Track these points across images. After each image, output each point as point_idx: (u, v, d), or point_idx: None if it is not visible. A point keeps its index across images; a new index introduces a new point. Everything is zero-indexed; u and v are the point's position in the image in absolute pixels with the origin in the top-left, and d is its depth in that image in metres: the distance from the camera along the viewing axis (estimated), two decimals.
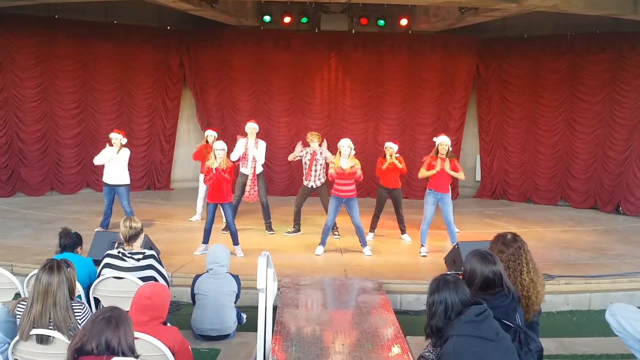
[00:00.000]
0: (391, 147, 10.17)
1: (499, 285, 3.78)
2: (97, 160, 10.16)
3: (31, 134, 13.83)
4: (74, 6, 13.08)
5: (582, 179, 14.09)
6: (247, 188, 10.31)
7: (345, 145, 9.07)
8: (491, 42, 15.08)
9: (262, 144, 10.55)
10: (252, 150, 10.34)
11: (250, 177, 10.31)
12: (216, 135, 11.34)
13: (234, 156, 10.36)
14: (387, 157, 10.08)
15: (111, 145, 10.11)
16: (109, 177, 10.03)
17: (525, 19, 13.72)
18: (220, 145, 8.96)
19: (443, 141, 9.14)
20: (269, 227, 10.69)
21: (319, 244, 9.25)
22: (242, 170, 10.43)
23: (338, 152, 9.17)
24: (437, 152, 9.12)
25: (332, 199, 9.17)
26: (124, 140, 10.17)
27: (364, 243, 9.28)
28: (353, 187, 9.11)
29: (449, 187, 9.33)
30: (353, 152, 9.24)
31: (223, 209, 9.15)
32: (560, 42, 14.09)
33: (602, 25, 13.08)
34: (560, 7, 11.11)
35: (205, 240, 8.97)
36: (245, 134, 10.53)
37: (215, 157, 8.82)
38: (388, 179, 10.13)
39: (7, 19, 12.84)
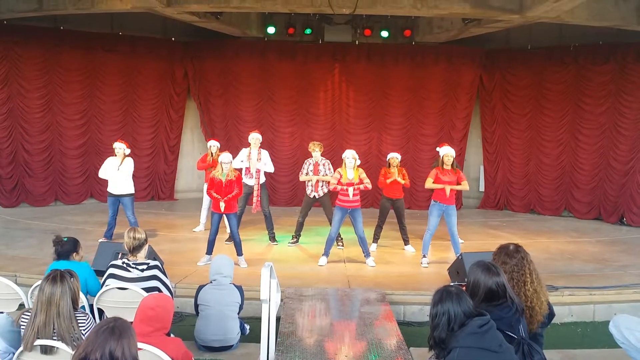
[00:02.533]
0: (396, 158, 10.17)
1: (502, 297, 3.79)
2: (102, 174, 10.20)
3: (36, 144, 13.89)
4: (79, 17, 13.16)
5: (586, 190, 14.07)
6: (255, 199, 10.32)
7: (350, 156, 9.07)
8: (495, 53, 15.12)
9: (265, 153, 10.58)
10: (254, 163, 10.34)
11: (255, 188, 10.34)
12: (219, 146, 11.39)
13: (235, 165, 10.26)
14: (392, 168, 10.10)
15: (114, 155, 10.15)
16: (113, 188, 10.06)
17: (528, 30, 13.74)
18: (226, 158, 9.01)
19: (448, 152, 9.12)
20: (272, 238, 10.69)
21: (323, 255, 9.23)
22: (246, 180, 10.45)
23: (343, 163, 9.16)
24: (443, 163, 9.11)
25: (336, 210, 9.16)
26: (128, 151, 10.23)
27: (367, 254, 9.25)
28: (358, 197, 9.10)
29: (454, 198, 9.32)
30: (358, 161, 9.25)
31: (228, 219, 9.15)
32: (563, 53, 14.12)
33: (606, 37, 13.10)
34: (564, 19, 11.15)
35: (209, 251, 8.98)
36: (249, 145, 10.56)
37: (222, 170, 8.90)
38: (391, 189, 10.14)
39: (13, 30, 12.93)
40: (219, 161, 9.12)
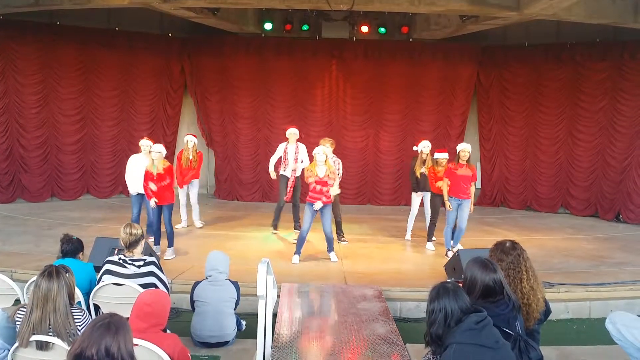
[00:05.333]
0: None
1: (499, 293, 3.78)
2: (132, 176, 9.98)
3: (32, 140, 13.85)
4: (76, 13, 13.11)
5: (583, 187, 14.10)
6: (288, 188, 10.83)
7: (320, 152, 9.04)
8: (492, 50, 15.11)
9: (303, 147, 10.99)
10: (292, 156, 10.83)
11: (291, 180, 10.81)
12: (196, 142, 11.36)
13: (273, 159, 11.03)
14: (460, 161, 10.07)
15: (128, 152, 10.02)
16: (140, 187, 9.79)
17: (525, 27, 13.75)
18: (157, 148, 9.12)
19: (465, 148, 9.40)
20: (298, 227, 10.90)
21: (295, 253, 9.15)
22: (283, 172, 10.88)
23: (314, 160, 9.14)
24: (459, 158, 9.38)
25: (307, 207, 9.10)
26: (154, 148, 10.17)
27: (330, 249, 9.30)
28: (328, 194, 9.07)
29: (470, 192, 9.47)
30: (332, 156, 9.24)
31: (162, 211, 9.22)
32: (560, 51, 14.12)
33: (603, 34, 13.11)
34: (561, 16, 11.14)
35: (157, 242, 9.15)
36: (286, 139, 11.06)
37: (153, 162, 9.03)
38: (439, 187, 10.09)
39: (10, 25, 12.88)
40: (151, 152, 9.18)
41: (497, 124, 15.35)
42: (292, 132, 11.04)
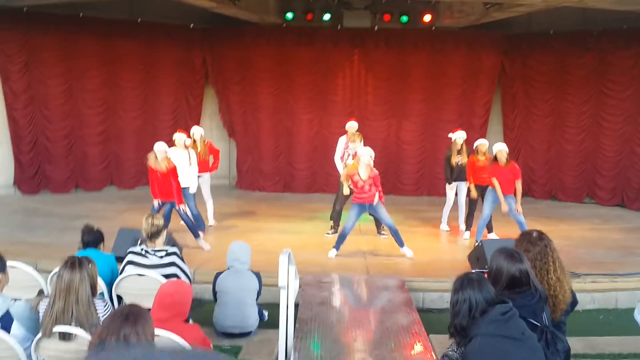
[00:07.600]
0: (484, 145, 10.06)
1: (525, 284, 3.71)
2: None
3: (57, 131, 13.96)
4: (98, 4, 13.19)
5: (609, 176, 13.88)
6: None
7: (366, 154, 8.78)
8: (516, 38, 14.89)
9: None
10: (352, 148, 10.32)
11: None
12: (203, 133, 10.93)
13: (338, 155, 10.51)
14: (480, 155, 9.94)
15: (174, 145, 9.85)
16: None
17: (551, 14, 13.52)
18: (160, 147, 8.86)
19: (503, 148, 9.13)
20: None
21: (333, 247, 8.93)
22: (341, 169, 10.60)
23: (358, 159, 8.91)
24: (496, 158, 9.12)
25: (353, 206, 8.85)
26: (188, 141, 10.09)
27: (401, 243, 8.87)
28: (373, 192, 8.78)
29: (511, 188, 9.23)
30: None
31: (166, 206, 8.99)
32: (586, 38, 13.87)
33: (630, 21, 12.84)
34: (587, 3, 10.97)
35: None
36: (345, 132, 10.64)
37: (157, 158, 8.78)
38: (480, 177, 9.92)
39: (33, 17, 12.96)
40: (154, 150, 8.87)
41: (522, 113, 15.14)
42: (351, 126, 10.63)
